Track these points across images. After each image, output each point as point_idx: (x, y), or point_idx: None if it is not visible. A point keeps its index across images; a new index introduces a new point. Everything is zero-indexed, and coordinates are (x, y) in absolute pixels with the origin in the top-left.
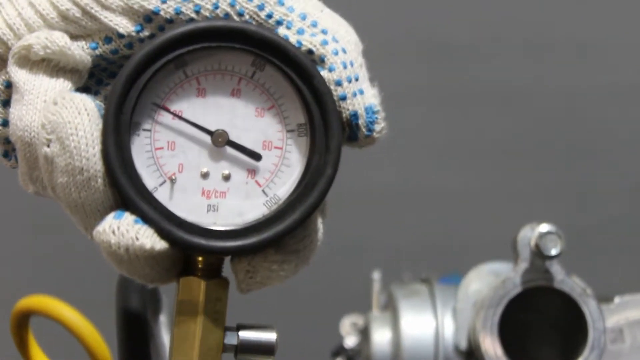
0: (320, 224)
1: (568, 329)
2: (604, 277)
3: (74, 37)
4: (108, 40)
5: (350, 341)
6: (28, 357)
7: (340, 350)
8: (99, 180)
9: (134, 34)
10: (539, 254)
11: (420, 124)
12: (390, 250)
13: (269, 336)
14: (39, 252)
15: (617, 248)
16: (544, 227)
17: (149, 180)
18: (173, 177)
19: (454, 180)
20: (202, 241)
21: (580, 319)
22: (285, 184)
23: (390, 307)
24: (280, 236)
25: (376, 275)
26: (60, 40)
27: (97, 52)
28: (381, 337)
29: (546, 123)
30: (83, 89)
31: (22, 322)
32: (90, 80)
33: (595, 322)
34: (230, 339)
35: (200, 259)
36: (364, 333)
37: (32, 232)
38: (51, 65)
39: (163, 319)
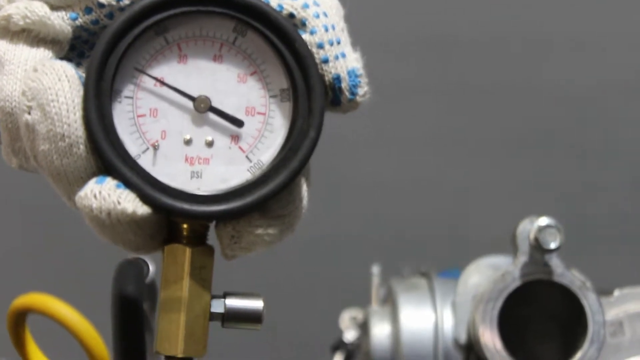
0: (305, 191)
1: (568, 323)
2: (603, 270)
3: (54, 7)
4: (88, 10)
5: (350, 335)
6: (25, 355)
7: (339, 344)
8: (81, 146)
9: (114, 3)
10: (538, 248)
11: (421, 117)
12: (389, 244)
13: (256, 304)
14: (36, 249)
15: (617, 241)
16: (543, 221)
17: (132, 147)
18: (156, 144)
19: (454, 174)
20: (186, 206)
21: (579, 312)
22: (269, 149)
23: (390, 301)
24: (265, 200)
25: (375, 270)
26: (39, 10)
27: (78, 22)
28: (380, 331)
29: (548, 117)
30: (65, 60)
31: (19, 320)
32: (71, 52)
33: (595, 315)
34: (217, 307)
35: (184, 226)
36: (364, 327)
37: (28, 229)
38: (31, 35)
39: None
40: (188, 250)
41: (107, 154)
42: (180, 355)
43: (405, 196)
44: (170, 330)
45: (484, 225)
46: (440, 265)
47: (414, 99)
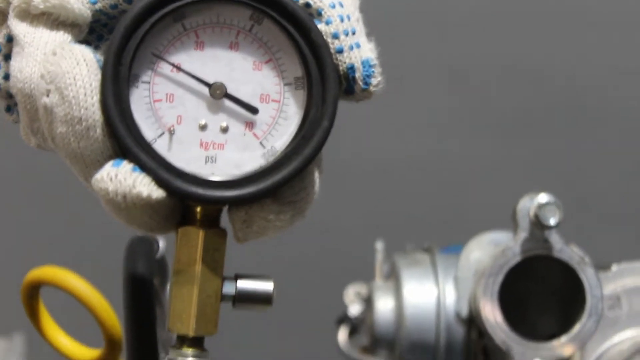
0: (317, 177)
1: (567, 297)
2: (601, 246)
3: None
4: None
5: (354, 310)
6: (39, 327)
7: (344, 318)
8: (98, 130)
9: None
10: (538, 224)
11: (423, 95)
12: (393, 222)
13: (267, 286)
14: (49, 223)
15: (615, 217)
16: (543, 198)
17: (148, 131)
18: (172, 128)
19: (455, 154)
20: (200, 191)
21: (578, 287)
22: (282, 137)
23: (393, 276)
24: (277, 186)
25: (379, 245)
26: None
27: (97, 6)
28: (384, 305)
29: (548, 93)
30: (84, 44)
31: (33, 292)
32: (90, 35)
33: (593, 290)
34: (229, 289)
35: (198, 209)
36: (368, 302)
37: (41, 203)
38: (51, 18)
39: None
40: (201, 233)
41: (123, 138)
42: (192, 334)
43: (408, 175)
44: (182, 310)
45: (485, 203)
46: (443, 242)
47: (415, 79)
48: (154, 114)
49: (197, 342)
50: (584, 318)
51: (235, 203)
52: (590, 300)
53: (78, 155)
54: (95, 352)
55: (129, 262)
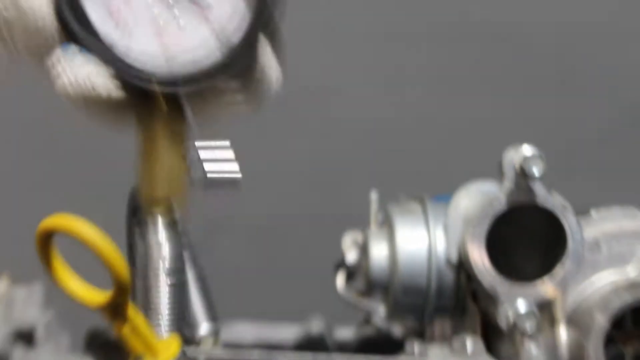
0: (275, 62)
1: (550, 243)
2: (581, 194)
3: None
4: None
5: (351, 256)
6: (54, 274)
7: (341, 264)
8: (56, 37)
9: None
10: (523, 175)
11: (413, 56)
12: (387, 173)
13: (233, 167)
14: (60, 172)
15: (595, 166)
16: (528, 150)
17: (106, 31)
18: (127, 27)
19: (444, 110)
20: (158, 85)
21: (560, 233)
22: (238, 30)
23: (387, 224)
24: (231, 63)
25: (374, 196)
26: None
27: None
28: (379, 252)
29: (534, 51)
30: None
31: (47, 240)
32: None
33: (574, 235)
34: (196, 170)
35: (158, 99)
36: (363, 249)
37: (51, 151)
38: None
39: None
40: (163, 111)
41: (81, 40)
42: (159, 195)
43: (401, 131)
44: (150, 176)
45: (473, 155)
46: (434, 192)
47: (404, 40)
48: (111, 14)
49: (167, 207)
50: (566, 261)
51: (190, 83)
52: (572, 244)
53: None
54: (106, 295)
55: (132, 205)
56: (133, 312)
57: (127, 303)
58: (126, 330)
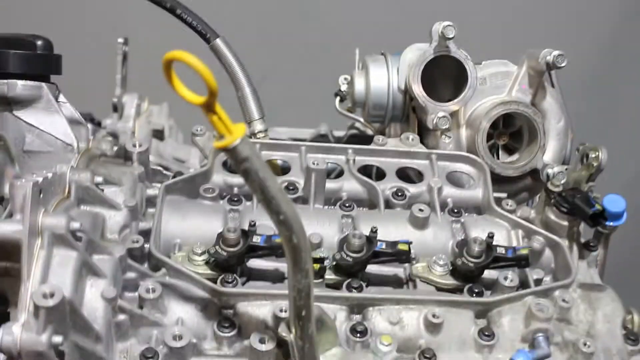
0: None
1: (458, 79)
2: (478, 50)
3: None
4: None
5: (343, 87)
6: (174, 86)
7: (338, 92)
8: None
9: None
10: (443, 37)
11: None
12: (365, 38)
13: None
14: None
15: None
16: (446, 23)
17: None
18: None
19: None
20: None
21: (464, 73)
22: None
23: (364, 68)
24: None
25: (357, 52)
26: None
27: None
28: (359, 84)
29: None
30: None
31: (168, 66)
32: None
33: (472, 73)
34: None
35: None
36: (350, 82)
37: None
38: None
39: None
40: None
41: None
42: None
43: (374, 10)
44: None
45: (417, 27)
46: (392, 49)
47: None
48: None
49: None
50: (466, 89)
51: None
52: (470, 79)
53: None
54: (204, 98)
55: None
56: (219, 108)
57: (215, 102)
58: (215, 119)
